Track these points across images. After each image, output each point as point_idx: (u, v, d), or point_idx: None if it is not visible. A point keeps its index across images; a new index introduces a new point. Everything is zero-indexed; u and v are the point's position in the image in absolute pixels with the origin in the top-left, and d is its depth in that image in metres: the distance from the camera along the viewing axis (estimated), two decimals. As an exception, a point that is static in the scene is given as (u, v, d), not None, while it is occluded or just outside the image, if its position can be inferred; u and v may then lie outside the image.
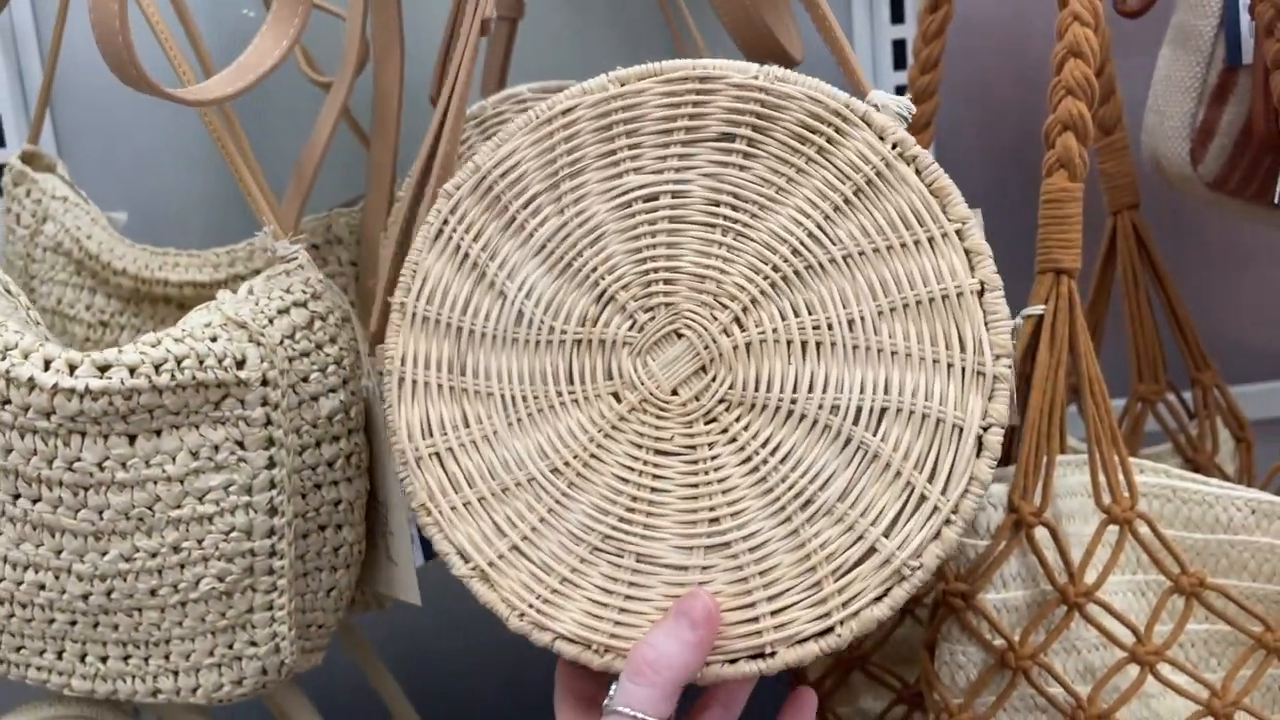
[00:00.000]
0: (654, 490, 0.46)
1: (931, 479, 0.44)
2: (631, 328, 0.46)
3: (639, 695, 0.42)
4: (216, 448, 0.47)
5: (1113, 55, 0.71)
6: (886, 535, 0.44)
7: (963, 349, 0.44)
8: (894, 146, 0.45)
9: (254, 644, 0.50)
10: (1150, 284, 0.74)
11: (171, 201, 0.83)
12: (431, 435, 0.46)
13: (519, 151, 0.47)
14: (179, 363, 0.44)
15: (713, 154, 0.46)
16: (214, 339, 0.46)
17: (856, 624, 0.44)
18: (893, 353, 0.44)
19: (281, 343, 0.49)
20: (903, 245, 0.44)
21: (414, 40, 0.66)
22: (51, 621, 0.48)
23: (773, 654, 0.44)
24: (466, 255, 0.47)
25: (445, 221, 0.47)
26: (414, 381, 0.46)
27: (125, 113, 0.81)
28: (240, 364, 0.46)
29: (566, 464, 0.46)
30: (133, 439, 0.45)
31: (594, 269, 0.46)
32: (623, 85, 0.46)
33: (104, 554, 0.47)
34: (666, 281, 0.46)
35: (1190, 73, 0.69)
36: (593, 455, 0.46)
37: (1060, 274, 0.54)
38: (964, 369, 0.44)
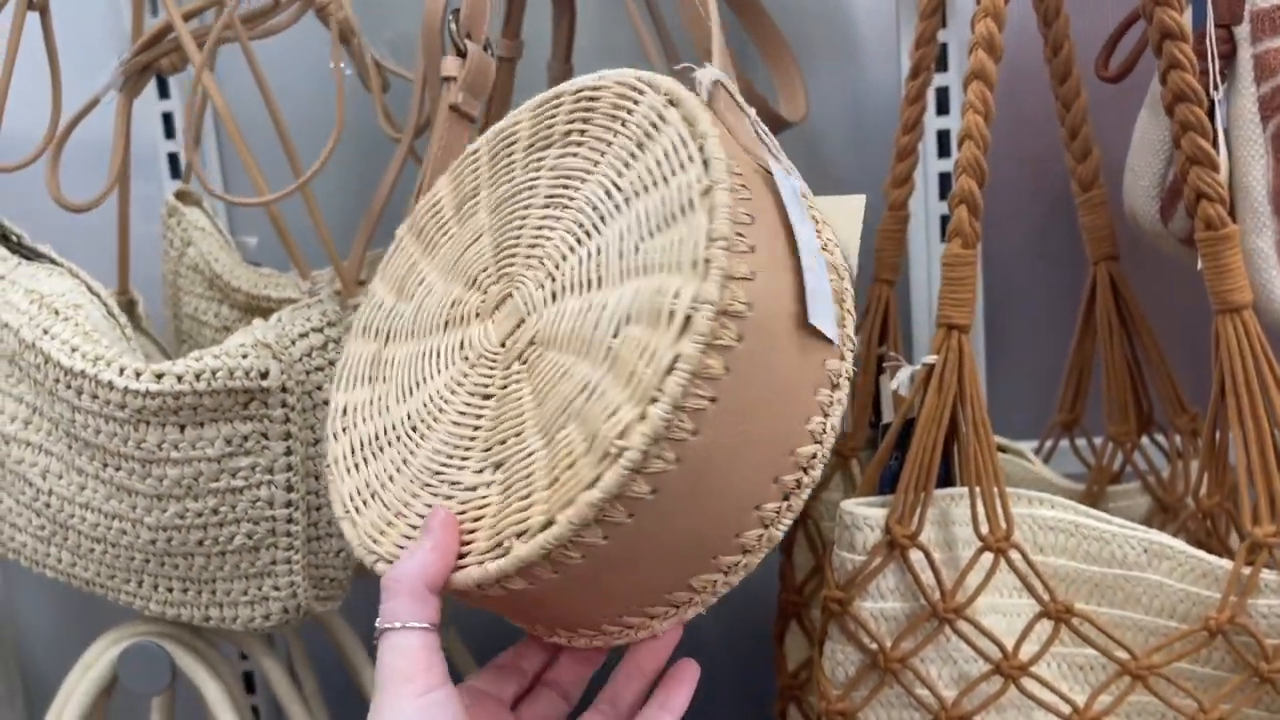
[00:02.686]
0: (472, 431, 0.49)
1: (647, 363, 0.43)
2: (481, 298, 0.52)
3: (388, 608, 0.46)
4: (245, 438, 0.62)
5: (1089, 118, 0.76)
6: (607, 420, 0.43)
7: (688, 245, 0.44)
8: (665, 95, 0.48)
9: (276, 589, 0.65)
10: (1131, 332, 0.78)
11: (300, 228, 1.01)
12: (346, 416, 0.54)
13: (441, 191, 0.57)
14: (214, 374, 0.60)
15: (559, 149, 0.51)
16: (245, 356, 0.61)
17: (570, 512, 0.43)
18: (645, 266, 0.45)
19: (300, 359, 0.63)
20: (665, 177, 0.46)
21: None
22: (132, 559, 0.65)
23: (504, 548, 0.45)
24: (397, 279, 0.56)
25: (391, 256, 0.58)
26: (347, 375, 0.55)
27: (271, 153, 1.00)
28: (264, 375, 0.61)
29: (422, 420, 0.51)
30: (183, 428, 0.61)
31: (470, 263, 0.53)
32: (513, 121, 0.54)
33: (165, 511, 0.63)
34: (510, 257, 0.52)
35: (1160, 135, 0.73)
36: (440, 409, 0.51)
37: (953, 329, 0.62)
38: (688, 260, 0.44)
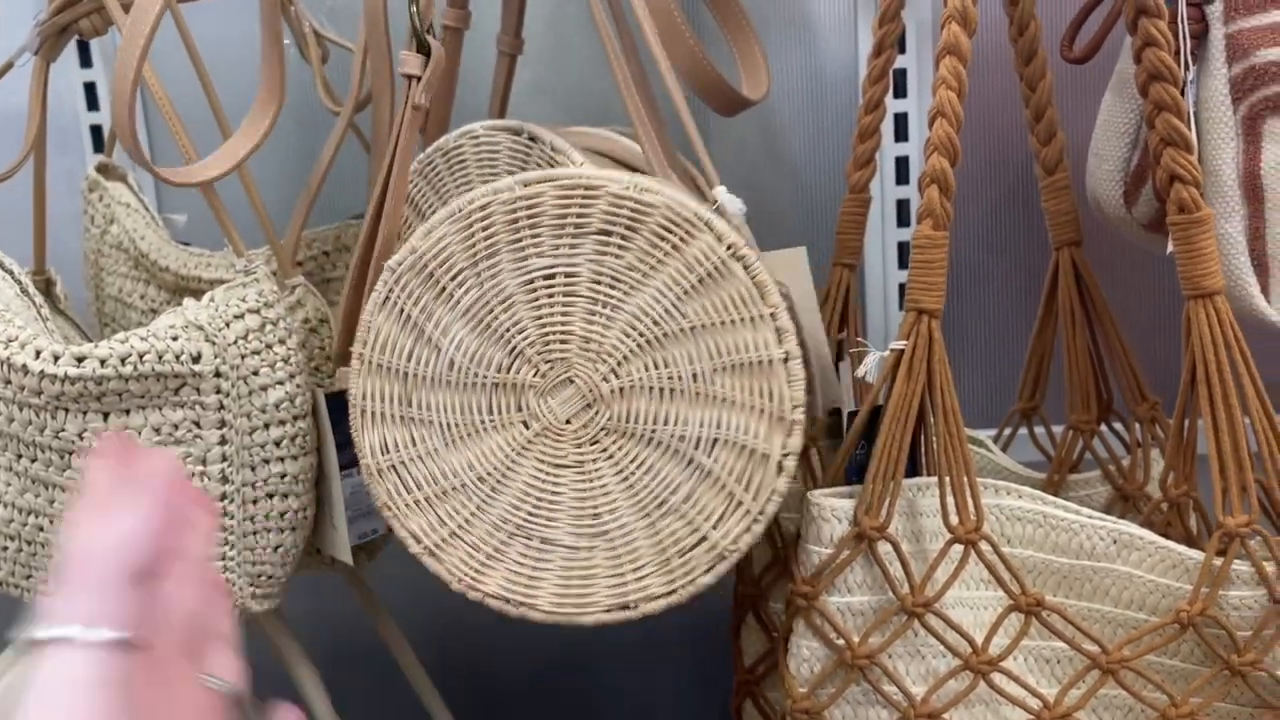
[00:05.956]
0: (554, 494, 0.59)
1: (746, 490, 0.56)
2: (535, 375, 0.59)
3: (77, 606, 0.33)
4: (176, 426, 0.58)
5: (1054, 100, 0.75)
6: (714, 529, 0.57)
7: (771, 400, 0.56)
8: (729, 249, 0.56)
9: (209, 587, 0.61)
10: (1093, 319, 0.77)
11: (234, 205, 0.96)
12: (388, 452, 0.60)
13: (446, 237, 0.58)
14: (141, 357, 0.55)
15: (595, 243, 0.57)
16: (174, 338, 0.57)
17: (692, 588, 0.58)
18: (723, 399, 0.57)
19: (235, 342, 0.59)
20: (733, 322, 0.57)
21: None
22: (50, 557, 0.60)
23: (634, 606, 0.59)
24: (409, 317, 0.59)
25: (391, 290, 0.59)
26: (372, 412, 0.60)
27: (202, 130, 0.94)
28: (196, 359, 0.57)
29: (490, 473, 0.59)
30: (106, 415, 0.56)
31: (507, 329, 0.59)
32: (526, 187, 0.58)
33: (86, 505, 0.58)
34: (561, 341, 0.58)
35: (1126, 119, 0.72)
36: (509, 468, 0.59)
37: (922, 313, 0.60)
38: (771, 414, 0.56)
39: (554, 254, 0.57)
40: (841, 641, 0.59)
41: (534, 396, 0.59)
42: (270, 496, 0.62)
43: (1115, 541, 0.61)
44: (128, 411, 0.57)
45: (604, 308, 0.57)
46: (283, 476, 0.62)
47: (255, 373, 0.60)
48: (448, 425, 0.59)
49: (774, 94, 0.92)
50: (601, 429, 0.58)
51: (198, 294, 0.80)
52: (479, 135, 0.74)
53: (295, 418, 0.62)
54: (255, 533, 0.62)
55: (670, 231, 0.56)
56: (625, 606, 0.58)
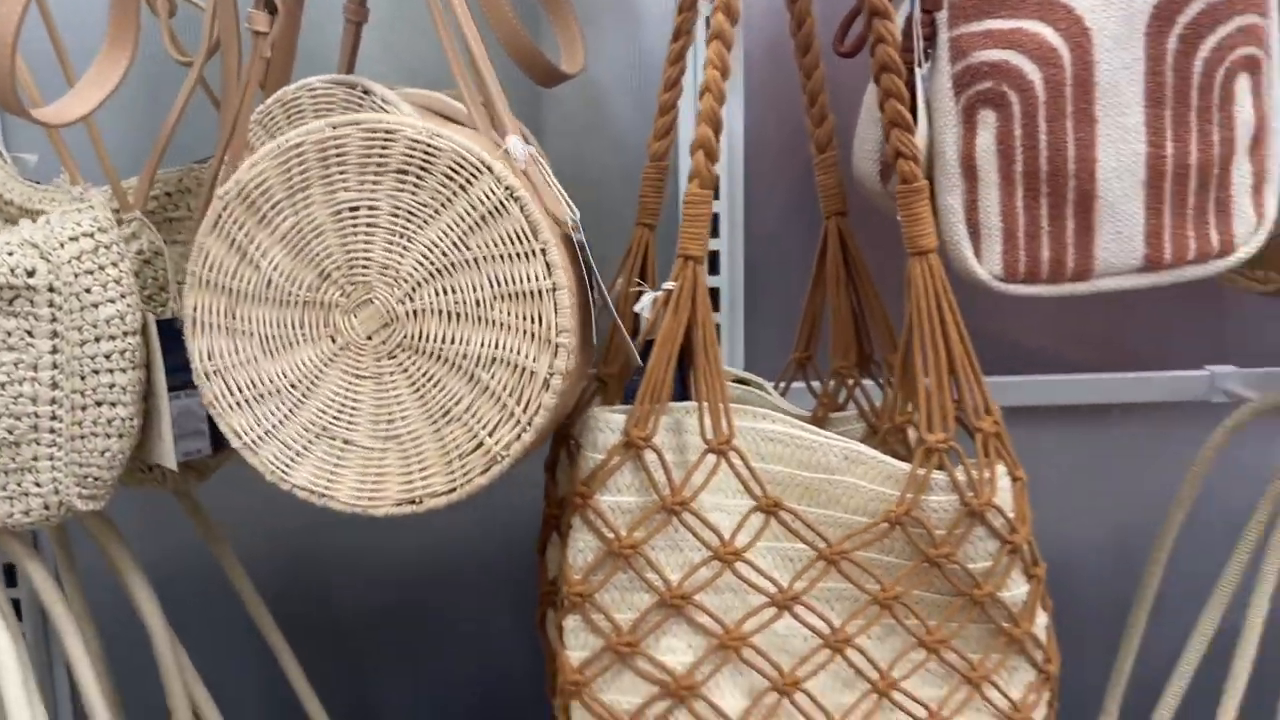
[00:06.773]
0: (354, 401, 0.68)
1: (518, 403, 0.65)
2: (340, 295, 0.67)
3: None
4: (9, 334, 0.63)
5: (826, 87, 0.86)
6: (490, 435, 0.65)
7: (541, 324, 0.65)
8: (506, 190, 0.64)
9: (38, 485, 0.67)
10: (856, 280, 0.89)
11: (79, 151, 1.00)
12: (213, 359, 0.68)
13: (266, 171, 0.66)
14: (-23, 268, 0.61)
15: (394, 181, 0.65)
16: (10, 254, 0.62)
17: (470, 488, 0.66)
18: (501, 323, 0.65)
19: (69, 261, 0.65)
20: (509, 255, 0.64)
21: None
22: (-113, 453, 0.65)
23: (420, 501, 0.67)
24: (234, 239, 0.67)
25: (220, 215, 0.67)
26: (202, 322, 0.68)
27: (52, 73, 0.98)
28: (30, 274, 0.63)
29: (300, 381, 0.68)
30: (-58, 321, 0.62)
31: (317, 254, 0.66)
32: (335, 130, 0.65)
33: (-79, 404, 0.63)
34: (364, 267, 0.66)
35: (882, 107, 0.84)
36: (316, 377, 0.68)
37: (689, 259, 0.70)
38: (540, 337, 0.65)
39: (359, 189, 0.65)
40: (611, 535, 0.69)
41: (339, 314, 0.67)
42: (99, 404, 0.68)
43: (846, 457, 0.73)
44: (-36, 318, 0.62)
45: (401, 238, 0.65)
46: (111, 387, 0.68)
47: (88, 290, 0.66)
48: (266, 337, 0.67)
49: (599, 71, 1.02)
50: (397, 345, 0.66)
51: (37, 226, 0.85)
52: (316, 88, 0.80)
53: (125, 334, 0.68)
54: (83, 437, 0.68)
55: (457, 173, 0.64)
56: (412, 501, 0.67)
